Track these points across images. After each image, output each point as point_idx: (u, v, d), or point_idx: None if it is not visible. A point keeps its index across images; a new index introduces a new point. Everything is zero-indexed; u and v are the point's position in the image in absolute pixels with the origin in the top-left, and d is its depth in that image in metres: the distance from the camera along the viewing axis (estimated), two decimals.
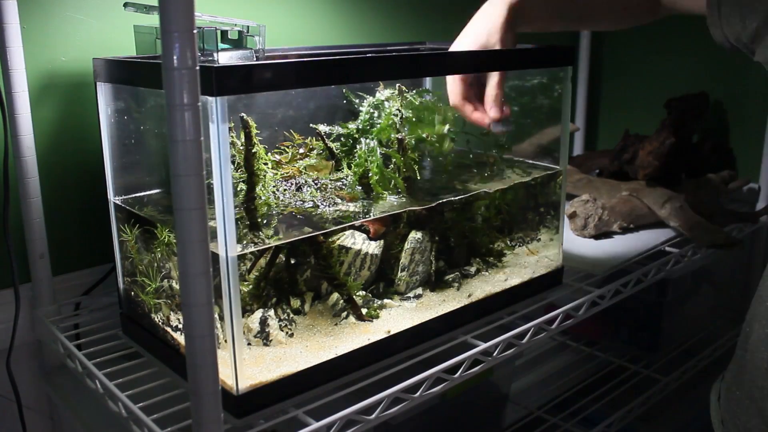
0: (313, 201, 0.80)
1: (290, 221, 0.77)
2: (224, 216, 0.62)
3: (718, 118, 1.50)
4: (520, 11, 0.86)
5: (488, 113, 0.85)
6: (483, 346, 0.81)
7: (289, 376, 0.70)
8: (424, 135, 0.90)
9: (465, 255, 0.94)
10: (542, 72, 0.96)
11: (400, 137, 0.85)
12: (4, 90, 0.83)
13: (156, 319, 0.78)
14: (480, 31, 0.86)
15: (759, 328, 0.76)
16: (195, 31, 0.50)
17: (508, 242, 0.99)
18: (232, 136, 0.72)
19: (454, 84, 0.87)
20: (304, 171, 0.83)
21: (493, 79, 0.85)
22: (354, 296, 0.80)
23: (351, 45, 1.07)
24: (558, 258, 0.98)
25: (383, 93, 0.87)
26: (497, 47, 0.84)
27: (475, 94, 0.87)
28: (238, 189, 0.74)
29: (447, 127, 0.91)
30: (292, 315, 0.78)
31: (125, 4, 0.80)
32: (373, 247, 0.84)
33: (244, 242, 0.72)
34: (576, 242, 1.13)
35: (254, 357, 0.72)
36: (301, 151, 0.85)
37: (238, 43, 0.78)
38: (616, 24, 1.01)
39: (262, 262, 0.79)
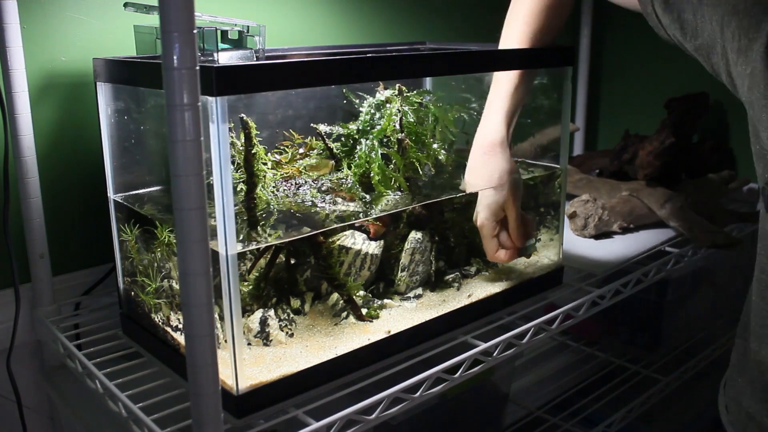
0: (312, 201, 0.80)
1: (290, 221, 0.77)
2: (224, 216, 0.62)
3: (718, 118, 1.50)
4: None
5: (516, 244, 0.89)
6: (483, 346, 0.81)
7: (289, 376, 0.70)
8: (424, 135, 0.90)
9: (465, 255, 0.94)
10: (542, 72, 0.96)
11: (400, 137, 0.85)
12: (4, 90, 0.83)
13: (156, 319, 0.78)
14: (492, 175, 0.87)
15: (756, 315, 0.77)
16: (195, 31, 0.50)
17: None
18: (231, 137, 0.72)
19: (487, 221, 0.87)
20: (304, 171, 0.83)
21: (513, 214, 0.87)
22: (354, 296, 0.80)
23: (351, 45, 1.07)
24: (558, 258, 0.98)
25: (383, 93, 0.87)
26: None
27: (502, 228, 0.89)
28: (238, 189, 0.74)
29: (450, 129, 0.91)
30: (292, 315, 0.78)
31: (125, 4, 0.80)
32: (373, 247, 0.84)
33: (242, 238, 0.72)
34: (576, 242, 1.13)
35: (254, 357, 0.72)
36: (301, 150, 0.84)
37: (238, 43, 0.78)
38: None
39: (262, 262, 0.79)
